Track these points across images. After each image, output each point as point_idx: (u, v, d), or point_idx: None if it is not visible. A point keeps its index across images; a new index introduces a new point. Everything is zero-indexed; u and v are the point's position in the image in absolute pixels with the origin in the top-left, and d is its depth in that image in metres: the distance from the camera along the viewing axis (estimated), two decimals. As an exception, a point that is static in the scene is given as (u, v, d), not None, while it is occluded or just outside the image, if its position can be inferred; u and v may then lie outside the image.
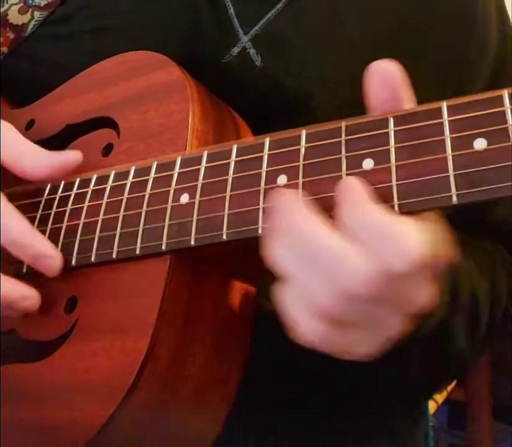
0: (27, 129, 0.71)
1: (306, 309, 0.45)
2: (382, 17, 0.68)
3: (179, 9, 0.71)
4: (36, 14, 0.75)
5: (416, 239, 0.42)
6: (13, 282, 0.58)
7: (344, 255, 0.43)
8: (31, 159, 0.61)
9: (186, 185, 0.54)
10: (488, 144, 0.42)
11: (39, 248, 0.58)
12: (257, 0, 0.69)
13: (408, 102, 0.47)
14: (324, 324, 0.44)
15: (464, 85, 0.70)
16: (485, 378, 1.41)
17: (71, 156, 0.62)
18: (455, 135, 0.44)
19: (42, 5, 0.75)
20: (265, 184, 0.50)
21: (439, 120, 0.44)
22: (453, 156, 0.43)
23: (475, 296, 0.61)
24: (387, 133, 0.46)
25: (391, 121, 0.46)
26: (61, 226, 0.60)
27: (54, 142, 0.68)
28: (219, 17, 0.69)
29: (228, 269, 0.58)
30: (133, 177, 0.58)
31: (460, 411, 1.48)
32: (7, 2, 0.76)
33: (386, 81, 0.47)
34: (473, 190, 0.42)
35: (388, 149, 0.46)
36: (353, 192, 0.45)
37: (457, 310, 0.58)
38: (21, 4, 0.76)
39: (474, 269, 0.63)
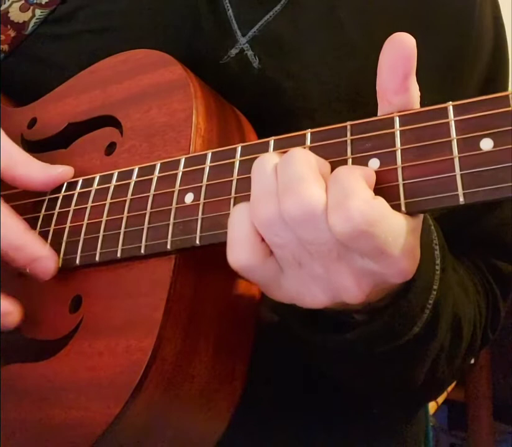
0: (29, 127, 0.70)
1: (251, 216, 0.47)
2: (380, 19, 0.68)
3: (179, 9, 0.70)
4: (38, 12, 0.75)
5: (362, 207, 0.43)
6: None
7: (309, 181, 0.45)
8: (24, 170, 0.62)
9: (190, 184, 0.54)
10: (494, 145, 0.42)
11: (33, 249, 0.58)
12: (256, 2, 0.69)
13: (414, 90, 0.47)
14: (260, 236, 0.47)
15: (457, 88, 0.70)
16: (485, 378, 1.41)
17: (64, 172, 0.63)
18: (461, 135, 0.44)
19: (43, 3, 0.75)
20: None
21: (445, 120, 0.44)
22: (460, 156, 0.43)
23: (458, 317, 0.61)
24: (393, 133, 0.46)
25: (397, 121, 0.46)
26: (65, 227, 0.60)
27: (56, 141, 0.68)
28: (218, 18, 0.69)
29: None
30: (137, 177, 0.58)
31: (460, 411, 1.48)
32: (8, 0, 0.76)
33: (402, 49, 0.46)
34: (480, 189, 0.42)
35: (394, 149, 0.46)
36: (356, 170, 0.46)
37: (436, 331, 0.57)
38: (22, 2, 0.76)
39: (461, 292, 0.63)
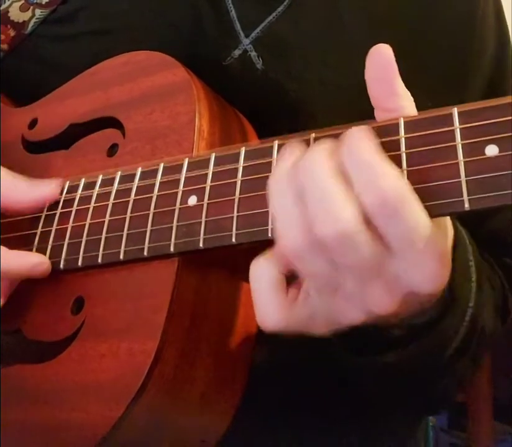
0: (30, 128, 0.70)
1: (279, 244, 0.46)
2: (383, 21, 0.68)
3: (181, 10, 0.70)
4: (38, 12, 0.75)
5: (391, 179, 0.43)
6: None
7: (336, 199, 0.44)
8: (9, 194, 0.61)
9: (193, 187, 0.54)
10: (500, 151, 0.43)
11: (26, 265, 0.59)
12: (258, 3, 0.69)
13: (404, 96, 0.48)
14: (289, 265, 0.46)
15: (461, 89, 0.70)
16: (485, 378, 1.41)
17: (51, 190, 0.62)
18: (466, 142, 0.44)
19: (43, 3, 0.75)
20: None
21: (451, 128, 0.44)
22: (465, 162, 0.43)
23: (484, 327, 0.61)
24: (398, 139, 0.46)
25: (402, 125, 0.47)
26: (67, 227, 0.60)
27: (57, 141, 0.68)
28: (221, 19, 0.69)
29: (235, 269, 0.58)
30: (139, 179, 0.58)
31: (460, 411, 1.48)
32: (9, -1, 0.76)
33: (380, 58, 0.49)
34: (486, 195, 0.43)
35: (399, 155, 0.46)
36: (361, 131, 0.46)
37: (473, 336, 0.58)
38: (22, 1, 0.75)
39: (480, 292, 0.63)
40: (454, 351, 0.55)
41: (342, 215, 0.43)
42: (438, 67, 0.69)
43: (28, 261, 0.59)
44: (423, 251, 0.44)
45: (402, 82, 0.48)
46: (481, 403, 1.43)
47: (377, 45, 0.49)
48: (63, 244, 0.60)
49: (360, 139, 0.45)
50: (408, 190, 0.43)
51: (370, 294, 0.46)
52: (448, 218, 0.49)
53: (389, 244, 0.44)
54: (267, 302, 0.47)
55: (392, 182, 0.43)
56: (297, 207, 0.45)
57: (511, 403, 1.50)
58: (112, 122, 0.65)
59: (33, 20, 0.75)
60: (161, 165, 0.57)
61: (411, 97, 0.48)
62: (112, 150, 0.63)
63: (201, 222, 0.53)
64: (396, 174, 0.44)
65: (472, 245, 0.56)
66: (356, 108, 0.63)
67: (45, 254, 0.61)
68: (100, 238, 0.58)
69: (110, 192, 0.59)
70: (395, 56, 0.65)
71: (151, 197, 0.56)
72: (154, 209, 0.56)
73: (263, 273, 0.48)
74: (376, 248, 0.44)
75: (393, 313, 0.46)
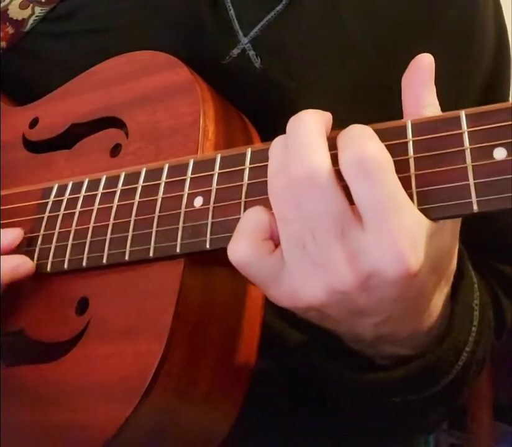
0: (31, 127, 0.70)
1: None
2: (383, 21, 0.68)
3: (180, 9, 0.70)
4: (37, 10, 0.75)
5: (373, 146, 0.45)
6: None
7: (313, 147, 0.46)
8: None
9: (199, 188, 0.54)
10: (508, 154, 0.43)
11: (7, 268, 0.59)
12: (257, 2, 0.69)
13: (432, 102, 0.49)
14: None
15: (460, 92, 0.70)
16: (485, 378, 1.41)
17: (14, 236, 0.62)
18: (474, 144, 0.44)
19: (43, 0, 0.75)
20: None
21: (459, 131, 0.45)
22: (473, 165, 0.44)
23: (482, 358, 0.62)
24: (406, 142, 0.46)
25: (409, 128, 0.47)
26: (70, 228, 0.60)
27: (59, 141, 0.68)
28: (220, 18, 0.69)
29: None
30: (144, 180, 0.57)
31: (460, 411, 1.48)
32: (8, -4, 0.75)
33: (417, 69, 0.50)
34: (493, 197, 0.43)
35: (407, 158, 0.46)
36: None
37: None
38: None
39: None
40: (433, 394, 0.56)
41: (313, 157, 0.45)
42: (437, 69, 0.69)
43: (8, 264, 0.59)
44: (395, 227, 0.44)
45: (436, 95, 0.49)
46: (481, 403, 1.43)
47: (420, 55, 0.50)
48: (66, 245, 0.60)
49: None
50: (390, 162, 0.45)
51: (332, 262, 0.45)
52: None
53: (361, 211, 0.45)
54: (245, 235, 0.48)
55: (377, 147, 0.45)
56: (283, 154, 0.48)
57: (511, 403, 1.51)
58: (114, 122, 0.65)
59: (33, 18, 0.75)
60: (166, 165, 0.57)
61: (439, 110, 0.49)
62: (115, 150, 0.63)
63: (207, 223, 0.53)
64: (383, 145, 0.45)
65: (480, 287, 0.57)
66: (356, 107, 0.63)
67: (48, 254, 0.61)
68: (105, 239, 0.58)
69: (114, 193, 0.59)
70: (394, 58, 0.66)
71: (157, 198, 0.56)
72: (159, 211, 0.55)
73: (256, 213, 0.49)
74: (344, 209, 0.45)
75: (356, 294, 0.46)
